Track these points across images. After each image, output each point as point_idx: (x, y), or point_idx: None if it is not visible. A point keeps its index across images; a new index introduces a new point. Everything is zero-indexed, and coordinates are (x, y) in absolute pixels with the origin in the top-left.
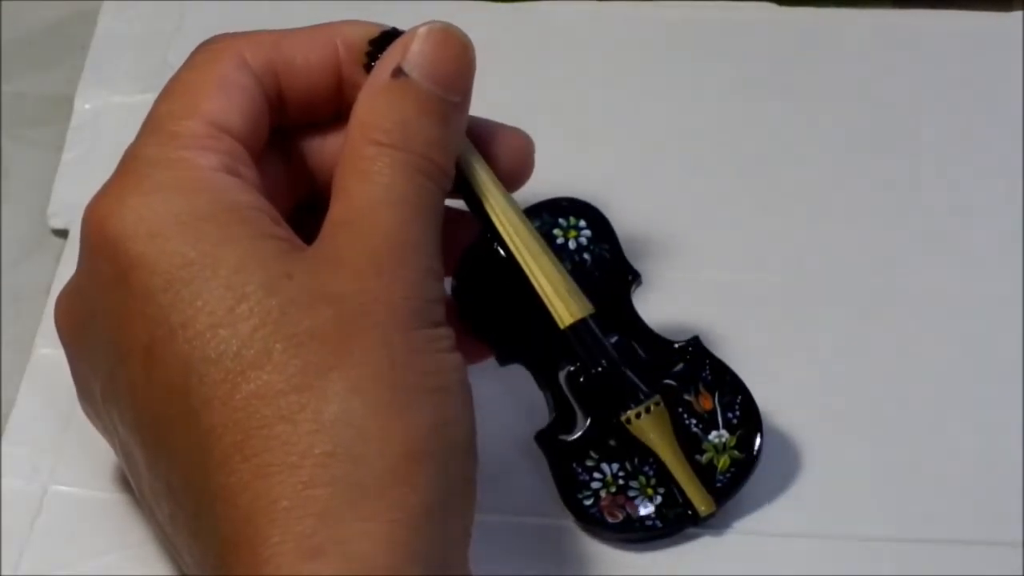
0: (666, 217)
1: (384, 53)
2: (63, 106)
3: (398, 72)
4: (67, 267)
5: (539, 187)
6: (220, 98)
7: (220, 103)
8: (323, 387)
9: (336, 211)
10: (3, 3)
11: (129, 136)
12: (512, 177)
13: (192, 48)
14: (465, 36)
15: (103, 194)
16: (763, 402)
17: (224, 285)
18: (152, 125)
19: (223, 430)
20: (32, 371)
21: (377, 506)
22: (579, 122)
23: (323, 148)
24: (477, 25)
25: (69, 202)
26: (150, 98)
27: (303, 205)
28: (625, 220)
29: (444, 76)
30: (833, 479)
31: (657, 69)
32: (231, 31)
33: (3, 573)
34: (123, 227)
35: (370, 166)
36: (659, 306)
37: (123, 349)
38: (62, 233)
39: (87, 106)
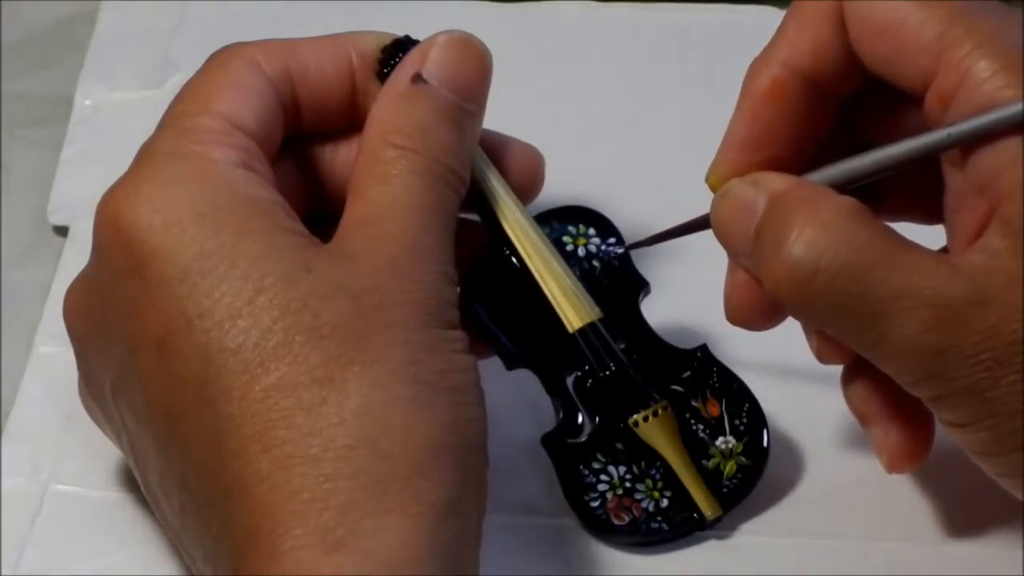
0: (666, 219)
1: (403, 60)
2: (63, 106)
3: (417, 78)
4: (67, 266)
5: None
6: (234, 98)
7: (234, 103)
8: (344, 380)
9: (352, 212)
10: (3, 3)
11: (130, 132)
12: (522, 190)
13: (193, 44)
14: (483, 46)
15: (117, 186)
16: (768, 404)
17: (243, 276)
18: (167, 123)
19: (241, 420)
20: (32, 370)
21: (399, 499)
22: (579, 123)
23: (336, 158)
24: (477, 25)
25: (69, 199)
26: (151, 94)
27: (313, 217)
28: (623, 222)
29: (462, 84)
30: (838, 481)
31: (658, 71)
32: (232, 27)
33: (3, 573)
34: (138, 218)
35: (388, 169)
36: (666, 312)
37: (136, 340)
38: (62, 231)
39: (88, 102)
